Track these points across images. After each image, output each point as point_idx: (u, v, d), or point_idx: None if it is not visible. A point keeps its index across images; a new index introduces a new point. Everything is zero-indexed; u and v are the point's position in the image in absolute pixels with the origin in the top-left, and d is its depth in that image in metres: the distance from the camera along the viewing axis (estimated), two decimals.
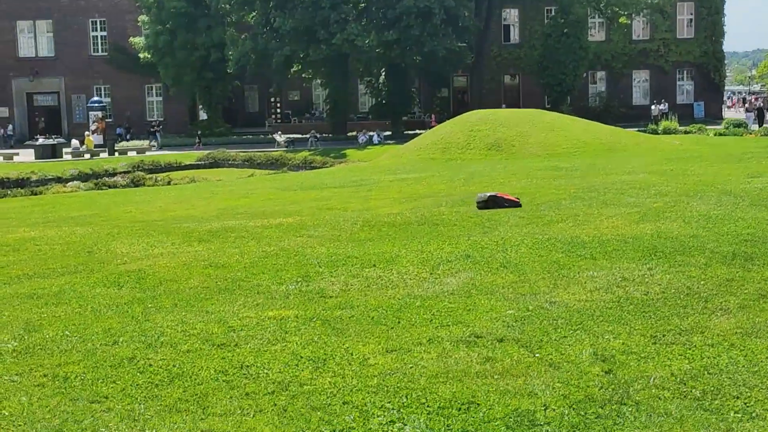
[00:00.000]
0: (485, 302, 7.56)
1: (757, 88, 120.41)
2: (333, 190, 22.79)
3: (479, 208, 14.70)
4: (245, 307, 7.74)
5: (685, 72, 68.85)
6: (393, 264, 9.55)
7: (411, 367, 5.73)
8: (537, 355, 5.88)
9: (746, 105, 63.39)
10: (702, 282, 7.96)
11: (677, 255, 9.31)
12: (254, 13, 57.69)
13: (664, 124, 46.82)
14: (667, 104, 62.04)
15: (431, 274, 8.96)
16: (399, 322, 6.97)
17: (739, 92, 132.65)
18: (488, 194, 15.06)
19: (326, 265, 9.65)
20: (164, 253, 11.48)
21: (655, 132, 44.94)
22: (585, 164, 25.71)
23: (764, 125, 46.57)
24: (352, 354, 6.09)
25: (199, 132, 61.16)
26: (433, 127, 56.60)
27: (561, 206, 14.59)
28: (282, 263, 9.98)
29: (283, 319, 7.18)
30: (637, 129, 46.59)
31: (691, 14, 68.07)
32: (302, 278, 9.00)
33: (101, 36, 69.93)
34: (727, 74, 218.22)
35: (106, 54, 69.37)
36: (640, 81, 69.16)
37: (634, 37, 68.13)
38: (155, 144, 59.06)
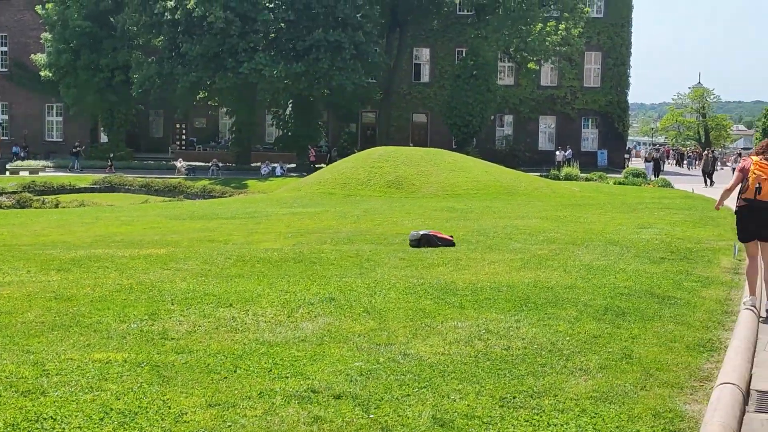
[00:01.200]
0: (335, 351, 7.03)
1: (661, 140, 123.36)
2: (222, 221, 22.13)
3: (411, 246, 14.63)
4: (73, 348, 7.05)
5: (590, 120, 69.94)
6: (252, 304, 8.98)
7: (229, 426, 5.14)
8: (372, 415, 5.36)
9: (645, 156, 64.48)
10: (567, 338, 7.59)
11: (549, 307, 8.97)
12: (161, 37, 56.64)
13: (565, 170, 47.27)
14: (571, 150, 62.79)
15: (289, 317, 8.41)
16: (235, 371, 6.39)
17: (644, 143, 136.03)
18: (421, 232, 15.01)
19: (179, 303, 9.02)
20: (13, 282, 10.68)
21: (556, 177, 45.30)
22: (481, 206, 25.62)
23: (660, 176, 47.30)
24: (169, 407, 5.47)
25: (111, 155, 59.57)
26: (312, 160, 56.38)
27: (446, 249, 14.28)
28: (133, 298, 9.31)
29: (108, 363, 6.53)
30: (539, 174, 46.91)
31: (599, 65, 69.31)
32: (149, 316, 8.35)
33: (2, 51, 67.91)
34: (633, 125, 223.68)
35: (5, 70, 67.35)
36: (547, 126, 69.99)
37: (542, 83, 69.01)
38: (75, 166, 57.33)
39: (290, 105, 60.79)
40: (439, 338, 7.50)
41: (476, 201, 28.98)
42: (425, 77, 69.06)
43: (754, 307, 9.70)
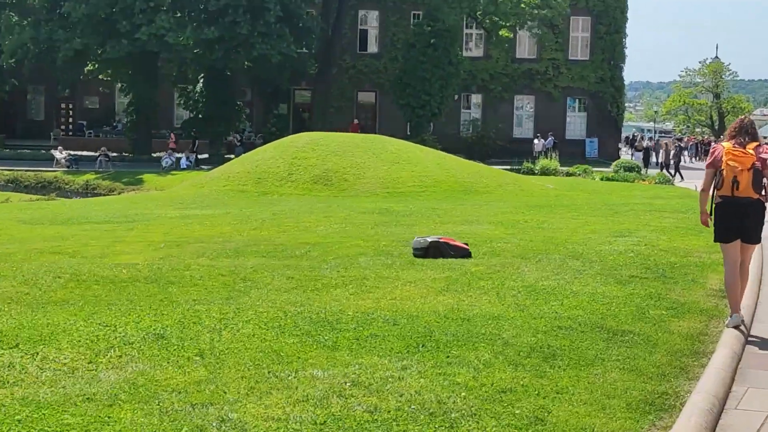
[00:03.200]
0: (125, 416, 6.16)
1: (669, 126, 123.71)
2: (86, 226, 21.34)
3: (416, 256, 14.43)
4: None
5: (577, 101, 69.71)
6: (46, 344, 8.10)
7: None
8: None
9: (635, 144, 64.23)
10: (465, 393, 6.81)
11: (456, 347, 8.24)
12: None
13: (542, 162, 46.82)
14: (552, 138, 62.45)
15: (90, 362, 7.55)
16: None
17: (648, 129, 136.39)
18: (429, 239, 14.70)
19: None
20: None
21: (530, 171, 44.85)
22: (425, 208, 25.09)
23: (654, 169, 47.25)
24: None
25: None
26: (172, 148, 55.37)
27: (354, 264, 13.63)
28: None
29: None
30: (510, 167, 46.43)
31: (587, 33, 69.03)
32: None
33: None
34: (637, 107, 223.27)
35: None
36: (524, 108, 69.67)
37: (518, 55, 68.64)
38: None
39: (201, 80, 59.78)
40: (283, 395, 6.66)
41: (421, 201, 28.44)
42: (373, 47, 68.49)
43: (741, 327, 9.65)
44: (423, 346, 8.26)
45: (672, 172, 45.84)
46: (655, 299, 11.01)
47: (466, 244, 15.04)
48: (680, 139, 78.12)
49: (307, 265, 13.59)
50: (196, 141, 58.34)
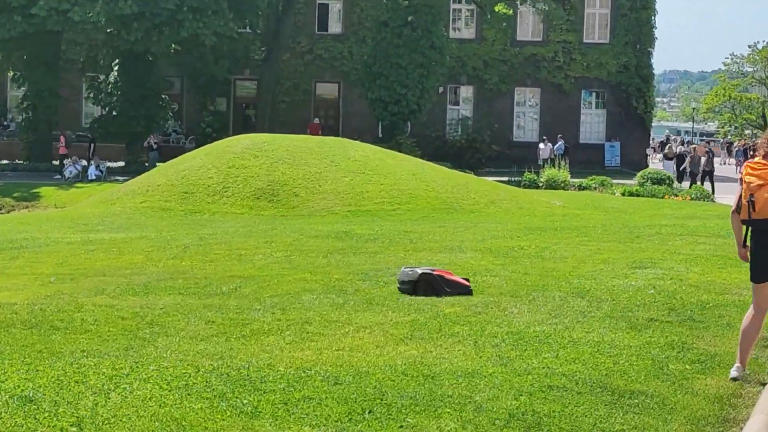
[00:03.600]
0: None
1: (712, 127, 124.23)
2: None
3: (402, 291, 14.53)
4: None
5: (594, 95, 69.91)
6: None
7: None
8: None
9: (665, 150, 64.57)
10: None
11: (413, 413, 8.25)
12: None
13: (548, 173, 46.78)
14: (563, 142, 62.51)
15: None
16: None
17: (686, 131, 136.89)
18: (420, 270, 14.73)
19: None
20: None
21: (534, 185, 44.80)
22: (395, 231, 24.98)
23: (694, 182, 47.43)
24: None
25: None
26: (63, 154, 55.03)
27: (296, 304, 13.76)
28: None
29: None
30: (507, 179, 46.43)
31: (607, 9, 69.28)
32: None
33: None
34: (672, 103, 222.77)
35: None
36: (527, 104, 69.84)
37: (519, 37, 68.83)
38: None
39: (116, 68, 59.63)
40: None
41: (391, 222, 28.39)
42: (335, 27, 68.69)
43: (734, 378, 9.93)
44: (370, 412, 8.20)
45: (704, 183, 45.87)
46: (677, 350, 10.92)
47: (467, 280, 15.03)
48: (708, 143, 78.39)
49: (235, 305, 13.53)
50: (93, 144, 58.09)
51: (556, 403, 8.54)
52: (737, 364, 9.95)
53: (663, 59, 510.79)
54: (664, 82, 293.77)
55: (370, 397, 8.59)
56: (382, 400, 8.50)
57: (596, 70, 68.73)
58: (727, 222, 28.43)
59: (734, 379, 9.75)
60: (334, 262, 18.61)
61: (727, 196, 42.67)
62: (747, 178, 9.78)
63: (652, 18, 69.84)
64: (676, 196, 42.02)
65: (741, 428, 8.24)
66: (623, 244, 22.06)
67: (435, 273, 14.66)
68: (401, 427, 7.80)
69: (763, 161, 9.78)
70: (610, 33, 69.23)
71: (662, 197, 41.09)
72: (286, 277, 16.39)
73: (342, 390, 8.79)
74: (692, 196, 41.45)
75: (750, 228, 10.03)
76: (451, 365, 9.86)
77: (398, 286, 14.70)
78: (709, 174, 48.71)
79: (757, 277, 10.13)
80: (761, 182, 9.66)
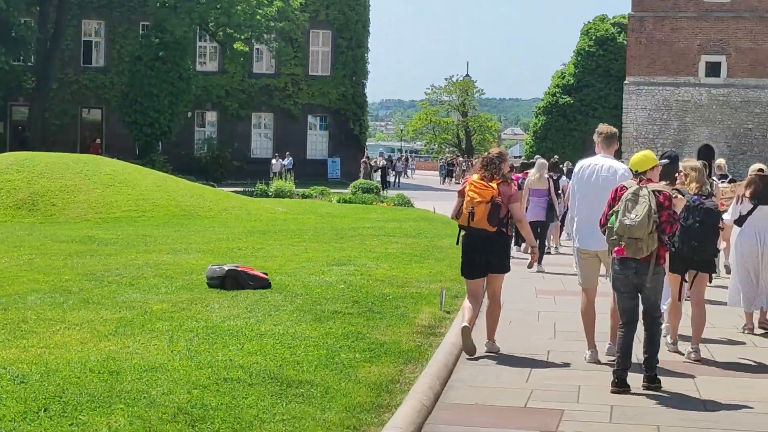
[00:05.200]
0: None
1: (420, 145, 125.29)
2: None
3: (210, 286, 13.90)
4: None
5: (318, 118, 69.43)
6: None
7: None
8: None
9: (371, 164, 64.47)
10: None
11: (87, 410, 7.43)
12: None
13: (276, 183, 45.95)
14: (291, 159, 61.89)
15: None
16: None
17: (399, 149, 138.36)
18: (227, 267, 14.23)
19: None
20: None
21: (264, 194, 43.82)
22: (134, 235, 23.78)
23: (394, 190, 47.27)
24: None
25: None
26: None
27: (19, 304, 12.61)
28: None
29: None
30: (244, 189, 45.42)
31: (328, 47, 68.90)
32: None
33: None
34: (389, 126, 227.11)
35: None
36: (262, 126, 68.91)
37: (256, 70, 67.82)
38: None
39: None
40: None
41: (135, 227, 27.05)
42: (99, 60, 66.29)
43: (488, 352, 10.55)
44: (45, 410, 7.13)
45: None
46: (352, 339, 10.21)
47: (266, 274, 14.54)
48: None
49: None
50: None
51: (227, 396, 7.64)
52: (486, 340, 10.80)
53: (382, 90, 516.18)
54: (382, 109, 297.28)
55: (50, 395, 7.49)
56: (61, 397, 7.42)
57: (320, 98, 68.13)
58: (420, 224, 28.49)
59: (492, 351, 10.62)
60: (70, 263, 17.29)
61: (426, 201, 42.57)
62: (470, 194, 10.41)
63: (366, 55, 69.85)
64: (383, 202, 41.71)
65: (393, 413, 7.53)
66: (327, 244, 21.42)
67: (240, 269, 14.13)
68: (72, 424, 6.77)
69: (482, 182, 10.44)
70: (331, 67, 68.72)
71: (371, 203, 40.70)
72: (20, 278, 14.99)
73: (25, 389, 7.66)
74: (395, 202, 41.14)
75: (465, 233, 10.65)
76: (141, 360, 8.85)
77: (207, 281, 14.06)
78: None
79: (466, 273, 10.92)
80: (480, 200, 10.31)
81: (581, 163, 10.83)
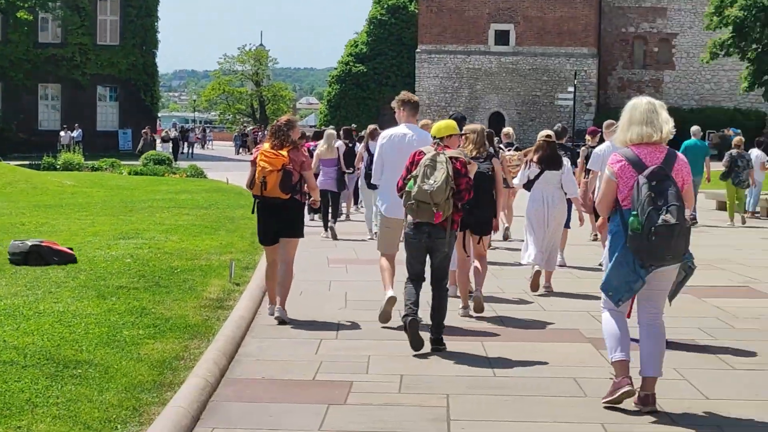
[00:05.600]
0: None
1: (215, 116, 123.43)
2: None
3: (12, 262, 13.11)
4: None
5: (108, 89, 67.82)
6: None
7: None
8: None
9: (163, 135, 63.52)
10: None
11: None
12: None
13: (65, 156, 44.47)
14: (81, 131, 60.30)
15: None
16: None
17: (193, 120, 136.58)
18: (30, 242, 13.54)
19: None
20: None
21: (52, 167, 42.40)
22: None
23: (186, 161, 46.63)
24: None
25: None
26: None
27: None
28: None
29: None
30: (30, 163, 43.84)
31: (116, 15, 67.30)
32: None
33: None
34: (183, 97, 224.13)
35: None
36: (49, 98, 66.92)
37: (41, 40, 65.74)
38: None
39: None
40: None
41: None
42: None
43: (278, 318, 10.50)
44: None
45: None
46: (136, 315, 9.79)
47: (71, 249, 13.88)
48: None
49: None
50: None
51: None
52: (269, 305, 10.91)
53: (175, 60, 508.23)
54: (175, 79, 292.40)
55: None
56: None
57: (109, 68, 66.41)
58: (212, 195, 28.01)
59: (275, 315, 10.59)
60: None
61: (220, 172, 41.97)
62: (261, 164, 10.32)
63: (155, 24, 68.64)
64: (175, 173, 40.93)
65: (176, 391, 7.23)
66: (116, 218, 20.77)
67: (44, 244, 13.46)
68: None
69: (273, 150, 10.39)
70: (120, 36, 67.19)
71: (162, 175, 39.87)
72: None
73: None
74: (188, 173, 40.43)
75: (260, 201, 10.58)
76: None
77: (9, 257, 13.26)
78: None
79: (262, 240, 10.94)
80: (272, 168, 10.25)
81: (386, 133, 10.85)
